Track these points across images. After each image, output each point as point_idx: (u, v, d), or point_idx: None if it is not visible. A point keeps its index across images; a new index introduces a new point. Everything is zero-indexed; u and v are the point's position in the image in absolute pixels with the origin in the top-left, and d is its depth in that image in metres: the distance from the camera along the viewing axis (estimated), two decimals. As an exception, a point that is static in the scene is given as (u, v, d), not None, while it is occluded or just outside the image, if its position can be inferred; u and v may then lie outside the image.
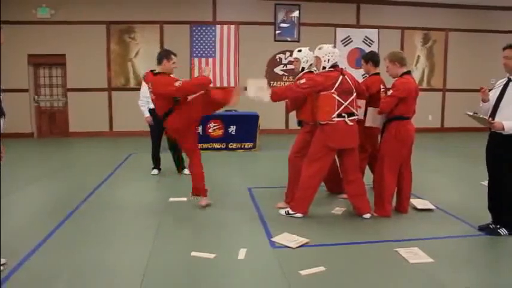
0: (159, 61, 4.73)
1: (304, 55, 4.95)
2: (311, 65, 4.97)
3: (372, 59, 5.30)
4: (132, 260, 3.66)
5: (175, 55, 4.78)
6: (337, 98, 4.44)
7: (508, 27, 12.01)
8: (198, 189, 5.09)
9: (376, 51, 11.58)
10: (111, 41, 10.80)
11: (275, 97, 4.59)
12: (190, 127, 4.89)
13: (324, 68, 4.57)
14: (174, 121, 4.72)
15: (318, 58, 4.62)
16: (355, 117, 4.59)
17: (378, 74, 5.29)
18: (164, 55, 4.73)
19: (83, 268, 3.45)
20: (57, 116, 11.07)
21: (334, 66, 4.57)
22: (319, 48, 4.62)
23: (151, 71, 4.77)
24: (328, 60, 4.55)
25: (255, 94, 4.57)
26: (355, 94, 4.58)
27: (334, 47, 4.72)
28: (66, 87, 10.86)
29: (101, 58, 10.81)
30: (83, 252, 3.76)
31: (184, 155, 6.04)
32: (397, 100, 4.53)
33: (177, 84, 4.48)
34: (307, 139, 4.84)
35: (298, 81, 4.57)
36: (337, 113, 4.45)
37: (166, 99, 4.67)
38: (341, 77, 4.50)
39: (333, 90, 4.43)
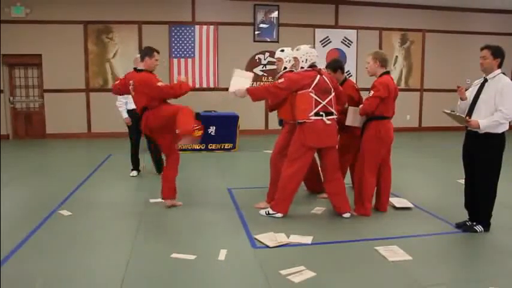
0: (142, 58, 4.86)
1: (286, 55, 4.96)
2: (293, 65, 4.99)
3: (340, 66, 5.26)
4: (112, 262, 3.61)
5: (157, 52, 4.90)
6: (315, 96, 4.46)
7: (482, 28, 12.25)
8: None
9: (355, 51, 11.77)
10: (88, 41, 10.64)
11: (254, 97, 4.66)
12: (165, 126, 4.81)
13: (302, 68, 4.60)
14: (150, 118, 4.78)
15: (295, 59, 4.65)
16: (334, 116, 4.62)
17: (345, 79, 5.33)
18: (146, 52, 4.85)
19: (60, 273, 3.39)
20: (34, 117, 10.85)
21: (312, 66, 4.60)
22: (297, 49, 4.66)
23: (135, 69, 4.95)
24: (306, 60, 4.58)
25: (237, 86, 4.66)
26: (333, 93, 4.61)
27: (313, 47, 4.74)
28: (43, 88, 10.66)
29: (78, 58, 10.63)
30: (61, 256, 3.69)
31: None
32: (380, 100, 4.57)
33: (159, 84, 4.69)
34: (288, 139, 4.84)
35: (277, 81, 4.59)
36: (314, 111, 4.47)
37: (144, 97, 4.76)
38: (318, 76, 4.53)
39: (310, 89, 4.46)
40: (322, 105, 4.50)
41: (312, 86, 4.47)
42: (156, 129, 4.87)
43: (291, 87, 4.50)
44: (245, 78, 4.81)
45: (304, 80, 4.48)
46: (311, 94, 4.46)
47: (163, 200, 5.09)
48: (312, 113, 4.47)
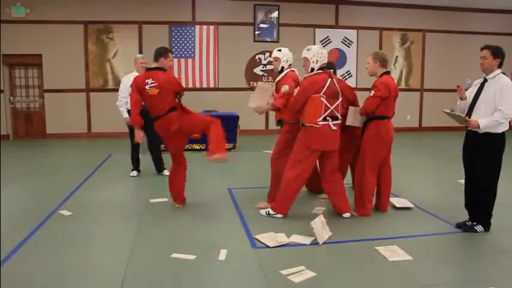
0: (156, 59, 4.76)
1: (284, 54, 4.95)
2: (290, 65, 4.98)
3: (333, 68, 5.21)
4: (112, 263, 3.61)
5: (172, 52, 4.90)
6: (325, 101, 4.43)
7: (482, 28, 12.25)
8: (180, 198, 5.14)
9: (355, 51, 11.76)
10: (88, 41, 10.64)
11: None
12: (191, 131, 4.99)
13: (312, 69, 4.54)
14: (184, 119, 4.77)
15: (306, 59, 4.57)
16: (339, 121, 4.60)
17: (340, 80, 5.32)
18: (161, 53, 4.77)
19: (60, 273, 3.39)
20: (34, 117, 10.85)
21: (323, 68, 4.56)
22: (308, 49, 4.58)
23: (148, 69, 4.85)
24: (317, 61, 4.51)
25: (258, 101, 4.82)
26: (341, 98, 4.59)
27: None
28: (43, 88, 10.65)
29: (78, 58, 10.63)
30: (61, 256, 3.69)
31: (164, 156, 5.99)
32: (380, 100, 4.57)
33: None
34: (288, 138, 4.84)
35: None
36: (322, 116, 4.44)
37: (171, 96, 4.75)
38: (329, 79, 4.50)
39: (321, 94, 4.42)
40: (330, 110, 4.47)
41: (323, 91, 4.43)
42: (184, 131, 4.85)
43: (305, 96, 4.46)
44: (266, 92, 4.89)
45: (315, 85, 4.43)
46: (322, 99, 4.42)
47: (178, 205, 5.11)
48: (321, 118, 4.44)
